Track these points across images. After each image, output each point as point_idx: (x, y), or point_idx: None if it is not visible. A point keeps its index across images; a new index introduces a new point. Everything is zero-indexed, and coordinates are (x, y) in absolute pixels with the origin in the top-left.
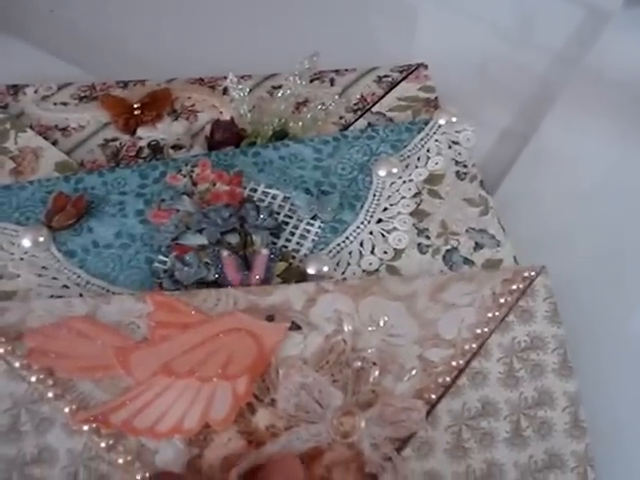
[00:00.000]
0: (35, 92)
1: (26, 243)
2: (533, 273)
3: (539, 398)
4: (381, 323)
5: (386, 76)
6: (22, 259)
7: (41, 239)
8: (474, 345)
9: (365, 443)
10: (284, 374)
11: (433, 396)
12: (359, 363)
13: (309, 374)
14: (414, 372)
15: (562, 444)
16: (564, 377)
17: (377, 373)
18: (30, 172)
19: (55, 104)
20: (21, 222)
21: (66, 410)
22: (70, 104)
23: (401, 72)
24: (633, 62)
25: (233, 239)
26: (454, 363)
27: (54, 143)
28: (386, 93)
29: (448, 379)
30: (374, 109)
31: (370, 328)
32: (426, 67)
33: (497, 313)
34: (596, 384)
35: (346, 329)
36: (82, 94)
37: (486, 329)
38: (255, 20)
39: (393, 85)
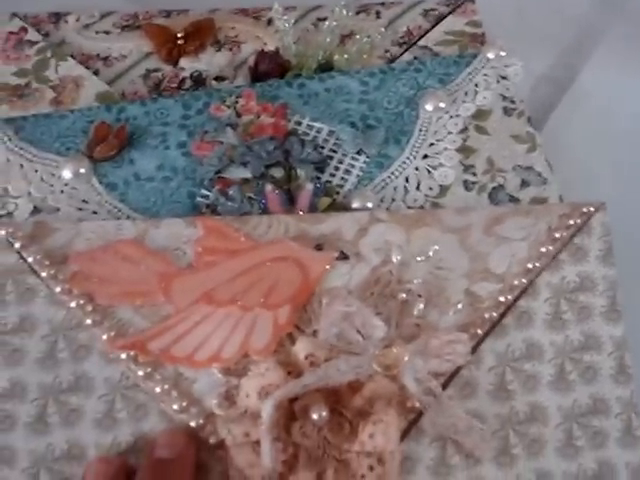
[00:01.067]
0: (77, 20)
1: (67, 174)
2: (592, 209)
3: (585, 342)
4: (430, 254)
5: (433, 9)
6: (62, 191)
7: (82, 170)
8: (523, 280)
9: (408, 377)
10: (327, 303)
11: (479, 331)
12: (404, 295)
13: (352, 303)
14: (460, 306)
15: (607, 389)
16: (611, 321)
17: (422, 306)
18: (70, 102)
19: (97, 32)
20: (61, 152)
21: (104, 337)
22: (112, 33)
23: (448, 6)
24: None
25: (277, 173)
26: (502, 298)
27: (95, 73)
28: (433, 27)
29: (495, 314)
30: (420, 43)
31: (419, 259)
32: (473, 1)
33: (550, 248)
34: None
35: (394, 259)
36: (125, 23)
37: (537, 264)
38: None
39: (440, 19)
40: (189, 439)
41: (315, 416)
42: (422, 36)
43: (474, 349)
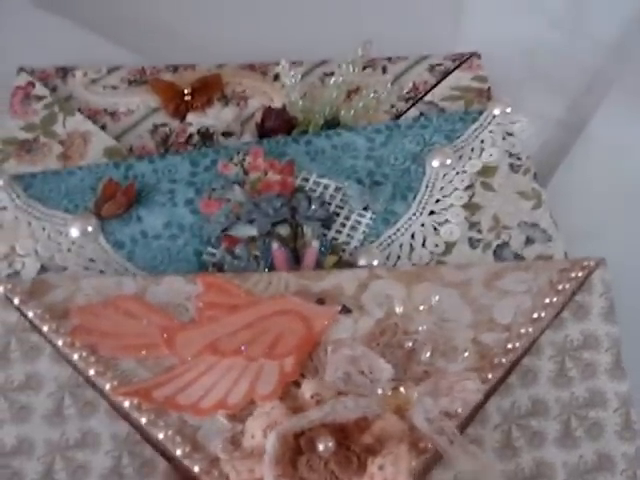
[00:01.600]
0: (84, 75)
1: (74, 233)
2: (592, 263)
3: (590, 398)
4: (433, 305)
5: (439, 65)
6: (69, 250)
7: (90, 229)
8: (530, 329)
9: (419, 416)
10: (332, 349)
11: (490, 376)
12: (410, 344)
13: (358, 348)
14: (467, 354)
15: (613, 446)
16: (616, 378)
17: (429, 354)
18: (78, 157)
19: (104, 87)
20: (69, 210)
21: (107, 386)
22: (119, 88)
23: (454, 61)
24: None
25: (284, 230)
26: (509, 345)
27: (103, 127)
28: (438, 82)
29: (504, 360)
30: (426, 98)
31: (422, 311)
32: (479, 56)
33: (555, 299)
34: None
35: (397, 311)
36: (132, 78)
37: (543, 314)
38: (307, 5)
39: (446, 74)
40: None
41: (321, 447)
42: (428, 91)
43: (480, 406)
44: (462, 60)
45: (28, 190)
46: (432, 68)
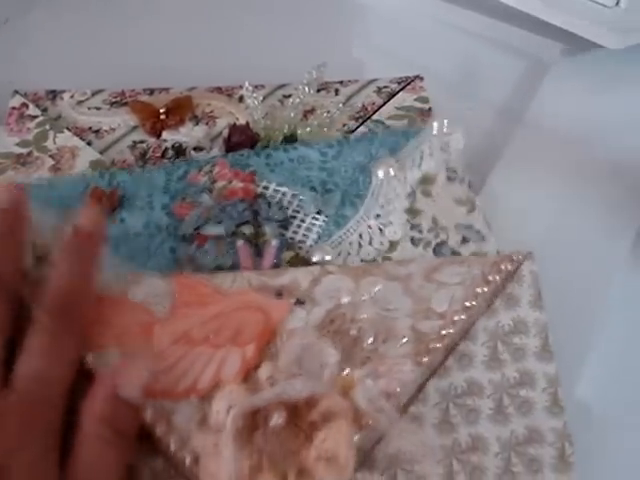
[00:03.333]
0: (71, 97)
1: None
2: (520, 257)
3: (520, 379)
4: (377, 298)
5: (385, 87)
6: None
7: None
8: (463, 316)
9: (360, 396)
10: (287, 337)
11: (425, 359)
12: (355, 331)
13: (308, 336)
14: (405, 340)
15: (542, 421)
16: (544, 360)
17: (372, 339)
18: (68, 169)
19: (89, 108)
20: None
21: None
22: (102, 108)
23: (399, 83)
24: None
25: (247, 230)
26: (444, 332)
27: (89, 143)
28: (385, 102)
29: (439, 345)
30: (374, 117)
31: (366, 300)
32: (422, 79)
33: (485, 289)
34: (575, 366)
35: (345, 301)
36: (113, 99)
37: (474, 302)
38: (267, 34)
39: (392, 95)
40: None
41: (273, 422)
42: (375, 111)
43: (420, 389)
44: (406, 82)
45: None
46: (379, 90)
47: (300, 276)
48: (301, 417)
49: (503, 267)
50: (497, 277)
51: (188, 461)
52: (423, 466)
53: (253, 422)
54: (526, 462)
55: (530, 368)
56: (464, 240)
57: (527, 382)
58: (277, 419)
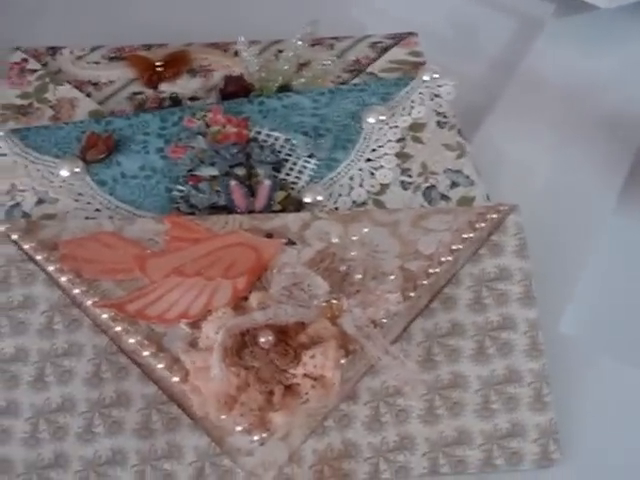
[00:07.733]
0: (71, 53)
1: (64, 173)
2: (506, 208)
3: (502, 322)
4: (366, 240)
5: (379, 42)
6: (61, 186)
7: (77, 169)
8: (450, 258)
9: (348, 323)
10: (278, 268)
11: (412, 294)
12: (344, 268)
13: (299, 267)
14: (393, 277)
15: (521, 362)
16: (526, 305)
17: (360, 276)
18: (67, 119)
19: (88, 63)
20: (59, 156)
21: (89, 302)
22: (101, 63)
23: (393, 39)
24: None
25: (240, 171)
26: (431, 270)
27: (88, 95)
28: (379, 56)
29: (425, 282)
30: (367, 70)
31: (355, 242)
32: (416, 35)
33: (472, 235)
34: (558, 312)
35: (334, 241)
36: (112, 55)
37: (461, 246)
38: None
39: (385, 50)
40: None
41: (263, 340)
42: (369, 64)
43: (404, 329)
44: (400, 38)
45: (24, 140)
46: (373, 45)
47: (290, 221)
48: (290, 338)
49: (489, 217)
50: (483, 225)
51: (176, 380)
52: (406, 399)
53: (242, 342)
54: (504, 400)
55: (512, 313)
56: (453, 184)
57: (509, 326)
58: (267, 337)
